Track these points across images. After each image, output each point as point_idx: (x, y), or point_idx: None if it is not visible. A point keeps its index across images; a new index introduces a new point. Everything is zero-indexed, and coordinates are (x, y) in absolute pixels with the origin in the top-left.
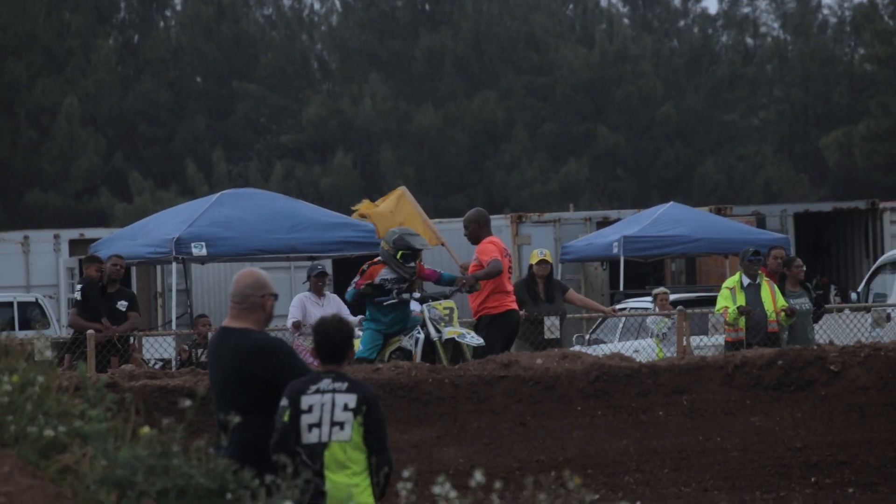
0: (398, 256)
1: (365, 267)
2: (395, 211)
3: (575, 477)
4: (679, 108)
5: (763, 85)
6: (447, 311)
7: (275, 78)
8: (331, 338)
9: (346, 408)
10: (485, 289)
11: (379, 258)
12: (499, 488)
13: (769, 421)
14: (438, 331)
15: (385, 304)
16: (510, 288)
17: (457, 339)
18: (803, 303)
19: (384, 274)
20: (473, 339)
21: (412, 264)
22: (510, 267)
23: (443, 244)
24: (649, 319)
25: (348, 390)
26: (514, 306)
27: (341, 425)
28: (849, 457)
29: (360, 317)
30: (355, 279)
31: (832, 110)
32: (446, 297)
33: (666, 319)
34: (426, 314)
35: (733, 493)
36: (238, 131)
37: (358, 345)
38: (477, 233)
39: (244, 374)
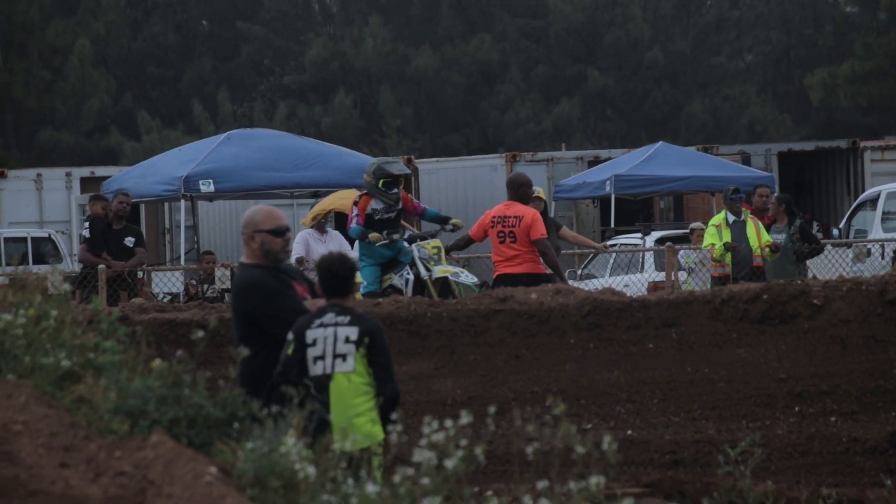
0: (380, 185)
1: (356, 199)
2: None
3: (560, 404)
4: (666, 51)
5: (748, 28)
6: (435, 251)
7: (278, 20)
8: (334, 272)
9: (347, 340)
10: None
11: (365, 191)
12: (492, 413)
13: (755, 353)
14: (428, 269)
15: (377, 245)
16: (508, 253)
17: (451, 277)
18: (780, 238)
19: (373, 204)
20: (468, 277)
21: (395, 191)
22: (503, 231)
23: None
24: (680, 253)
25: (350, 323)
26: (509, 270)
27: (344, 357)
28: (831, 387)
29: None
30: (354, 214)
31: (815, 52)
32: (433, 236)
33: (695, 253)
34: (415, 253)
35: (720, 422)
36: (242, 72)
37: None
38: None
39: (236, 308)
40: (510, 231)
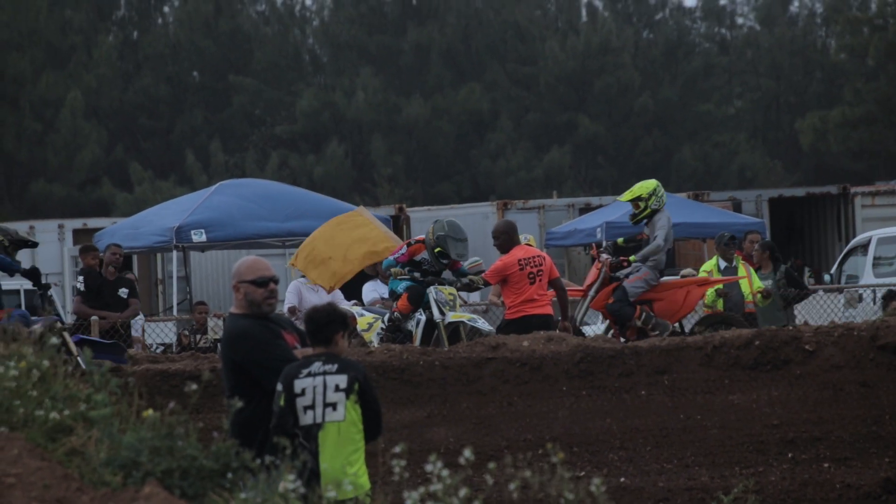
0: (435, 251)
1: (411, 241)
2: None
3: (559, 452)
4: (656, 98)
5: (737, 74)
6: (451, 297)
7: (269, 72)
8: (315, 320)
9: (337, 388)
10: (505, 296)
11: (423, 238)
12: (492, 468)
13: (747, 399)
14: (443, 313)
15: (398, 278)
16: (536, 293)
17: (468, 322)
18: (766, 285)
19: (424, 254)
20: (485, 324)
21: (445, 261)
22: (533, 272)
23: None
24: None
25: (339, 371)
26: (536, 311)
27: (334, 406)
28: (823, 433)
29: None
30: (401, 251)
31: (805, 98)
32: (452, 283)
33: None
34: (432, 296)
35: (713, 469)
36: (234, 123)
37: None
38: (505, 244)
39: (225, 358)
40: (538, 270)
